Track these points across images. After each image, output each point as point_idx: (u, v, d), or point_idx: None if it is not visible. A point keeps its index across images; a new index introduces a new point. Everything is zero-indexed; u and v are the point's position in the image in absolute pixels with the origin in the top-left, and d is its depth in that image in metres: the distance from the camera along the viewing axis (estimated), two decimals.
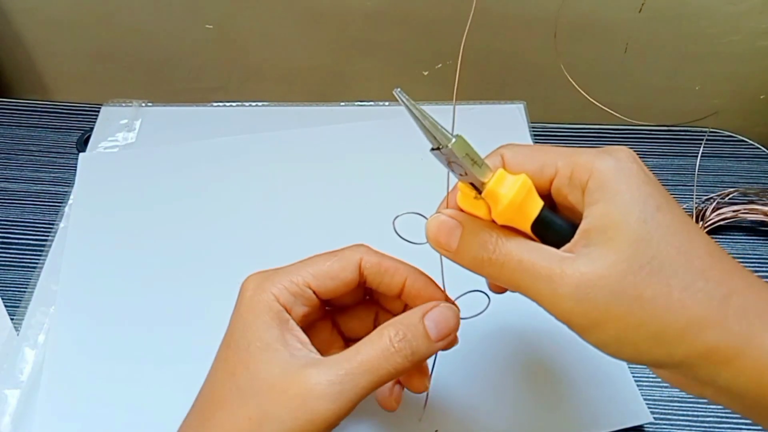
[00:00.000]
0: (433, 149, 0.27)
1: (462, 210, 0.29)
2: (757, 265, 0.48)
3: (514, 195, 0.27)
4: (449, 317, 0.30)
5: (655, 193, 0.26)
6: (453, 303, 0.32)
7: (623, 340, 0.25)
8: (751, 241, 0.49)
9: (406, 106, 0.26)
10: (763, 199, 0.50)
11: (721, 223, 0.49)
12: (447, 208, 0.30)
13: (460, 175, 0.28)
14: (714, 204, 0.50)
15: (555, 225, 0.28)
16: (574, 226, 0.27)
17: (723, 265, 0.25)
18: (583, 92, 0.42)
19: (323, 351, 0.30)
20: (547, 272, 0.26)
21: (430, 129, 0.26)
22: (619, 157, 0.27)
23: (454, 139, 0.26)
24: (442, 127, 0.26)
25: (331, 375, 0.27)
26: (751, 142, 0.57)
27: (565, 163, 0.28)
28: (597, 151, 0.27)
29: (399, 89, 0.26)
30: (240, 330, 0.29)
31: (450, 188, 0.30)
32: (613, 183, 0.26)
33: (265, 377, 0.27)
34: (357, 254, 0.32)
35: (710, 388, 0.25)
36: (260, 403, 0.27)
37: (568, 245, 0.27)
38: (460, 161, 0.26)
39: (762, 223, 0.49)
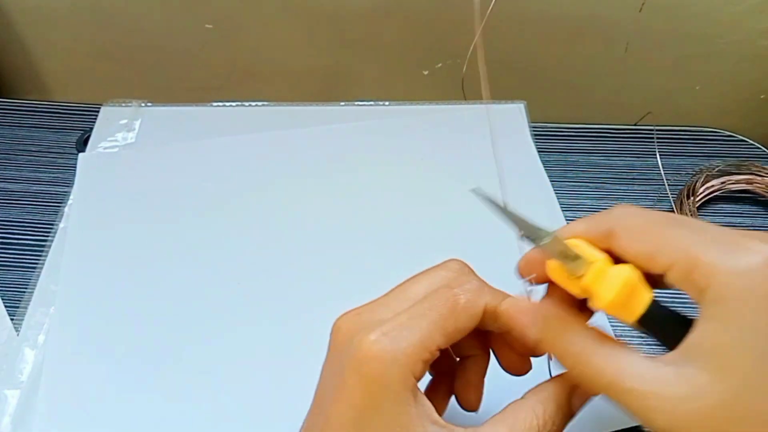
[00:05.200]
0: (522, 236, 0.26)
1: (551, 280, 0.27)
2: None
3: (614, 297, 0.24)
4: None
5: None
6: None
7: None
8: (737, 210, 0.52)
9: (495, 205, 0.25)
10: (744, 170, 0.52)
11: (710, 196, 0.51)
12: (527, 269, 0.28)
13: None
14: (703, 177, 0.51)
15: (665, 319, 0.25)
16: (686, 320, 0.24)
17: None
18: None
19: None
20: (651, 390, 0.22)
21: (522, 227, 0.25)
22: (751, 266, 0.22)
23: (547, 239, 0.25)
24: (533, 223, 0.25)
25: None
26: (751, 142, 0.57)
27: (684, 258, 0.23)
28: (725, 250, 0.22)
29: (476, 188, 0.25)
30: (373, 417, 0.24)
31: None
32: (735, 304, 0.22)
33: None
34: (481, 300, 0.27)
35: None
36: None
37: (674, 354, 0.23)
38: (559, 254, 0.25)
39: (746, 191, 0.52)
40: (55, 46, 0.68)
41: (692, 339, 0.23)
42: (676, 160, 0.55)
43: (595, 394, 0.25)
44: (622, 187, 0.53)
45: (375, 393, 0.24)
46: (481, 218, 0.47)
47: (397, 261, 0.41)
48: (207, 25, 0.64)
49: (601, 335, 0.25)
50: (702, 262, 0.22)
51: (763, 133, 0.60)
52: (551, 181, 0.52)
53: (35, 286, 0.44)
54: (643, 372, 0.23)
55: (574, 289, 0.26)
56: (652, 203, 0.52)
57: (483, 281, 0.29)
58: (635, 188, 0.53)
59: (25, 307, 0.43)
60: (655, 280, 0.25)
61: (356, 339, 0.25)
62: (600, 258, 0.25)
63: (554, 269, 0.27)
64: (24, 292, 0.44)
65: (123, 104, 0.56)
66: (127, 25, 0.64)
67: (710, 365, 0.22)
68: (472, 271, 0.29)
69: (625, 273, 0.24)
